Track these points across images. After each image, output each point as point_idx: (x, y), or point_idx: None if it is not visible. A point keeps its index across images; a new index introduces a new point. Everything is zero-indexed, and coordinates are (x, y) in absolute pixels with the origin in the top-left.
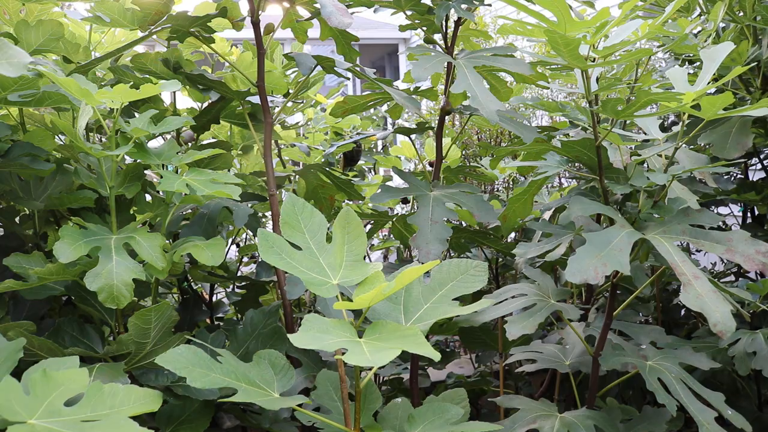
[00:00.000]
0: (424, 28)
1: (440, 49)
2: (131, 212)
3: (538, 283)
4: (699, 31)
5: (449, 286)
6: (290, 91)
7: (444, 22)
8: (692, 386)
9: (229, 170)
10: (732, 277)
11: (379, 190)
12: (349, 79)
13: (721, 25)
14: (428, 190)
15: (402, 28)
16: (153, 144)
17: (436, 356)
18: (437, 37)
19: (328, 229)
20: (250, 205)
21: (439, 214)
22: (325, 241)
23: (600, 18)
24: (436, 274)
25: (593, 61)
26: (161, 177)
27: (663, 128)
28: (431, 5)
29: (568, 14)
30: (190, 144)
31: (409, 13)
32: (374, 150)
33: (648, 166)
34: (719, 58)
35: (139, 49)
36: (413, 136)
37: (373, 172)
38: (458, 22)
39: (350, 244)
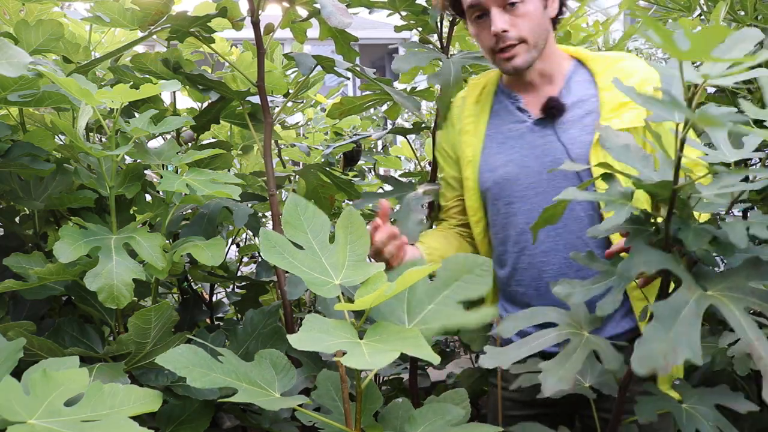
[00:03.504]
0: (420, 29)
1: (435, 50)
2: (131, 212)
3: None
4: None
5: (453, 286)
6: (290, 91)
7: (439, 23)
8: None
9: (229, 170)
10: None
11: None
12: (348, 78)
13: (722, 24)
14: (411, 190)
15: (397, 29)
16: (153, 144)
17: (436, 359)
18: (433, 38)
19: (330, 229)
20: (250, 205)
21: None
22: (327, 241)
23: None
24: (441, 272)
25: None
26: (161, 177)
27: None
28: (426, 5)
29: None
30: (190, 144)
31: (404, 13)
32: (374, 150)
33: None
34: None
35: (139, 49)
36: (412, 137)
37: (373, 172)
38: (453, 22)
39: (353, 245)
